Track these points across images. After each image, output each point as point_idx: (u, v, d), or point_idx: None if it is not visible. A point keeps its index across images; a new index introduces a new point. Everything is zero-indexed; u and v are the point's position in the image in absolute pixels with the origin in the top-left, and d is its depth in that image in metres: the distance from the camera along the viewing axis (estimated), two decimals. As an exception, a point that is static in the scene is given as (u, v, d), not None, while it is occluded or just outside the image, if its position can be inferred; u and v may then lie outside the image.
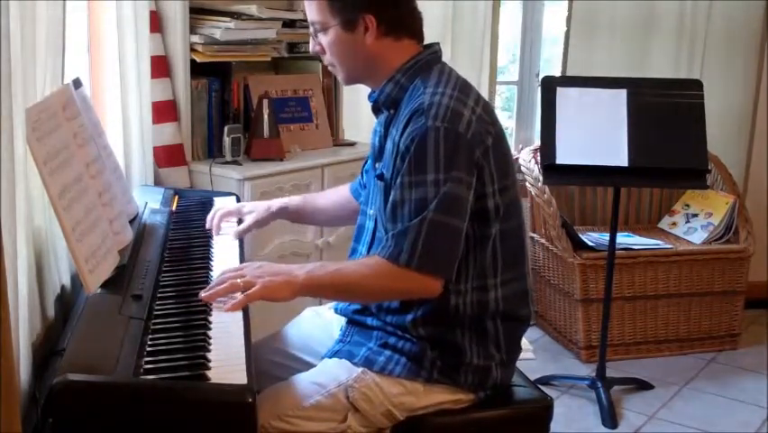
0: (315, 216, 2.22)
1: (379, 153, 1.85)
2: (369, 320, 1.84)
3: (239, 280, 1.64)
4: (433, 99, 1.68)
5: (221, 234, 2.08)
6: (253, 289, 1.62)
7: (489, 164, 1.70)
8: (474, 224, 1.72)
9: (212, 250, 1.99)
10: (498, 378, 1.81)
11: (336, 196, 2.18)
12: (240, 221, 2.12)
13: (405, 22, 1.79)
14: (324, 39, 1.79)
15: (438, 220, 1.64)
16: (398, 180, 1.67)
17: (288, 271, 1.68)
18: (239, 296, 1.62)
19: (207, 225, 2.10)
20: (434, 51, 1.82)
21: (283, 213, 2.13)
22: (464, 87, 1.76)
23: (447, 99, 1.69)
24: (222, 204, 2.21)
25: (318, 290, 1.74)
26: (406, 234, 1.64)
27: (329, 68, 1.87)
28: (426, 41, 1.85)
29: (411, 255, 1.64)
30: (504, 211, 1.74)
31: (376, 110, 1.87)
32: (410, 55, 1.79)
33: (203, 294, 1.64)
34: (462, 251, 1.71)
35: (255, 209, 2.11)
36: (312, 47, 1.84)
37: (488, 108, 1.77)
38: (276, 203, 2.13)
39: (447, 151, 1.64)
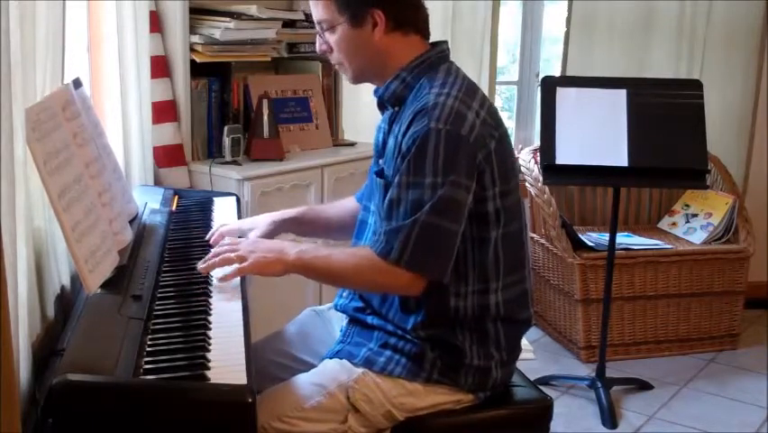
0: (327, 227, 2.12)
1: (382, 150, 1.85)
2: (369, 319, 1.84)
3: (233, 255, 1.71)
4: (437, 100, 1.68)
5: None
6: (245, 263, 1.69)
7: (490, 168, 1.70)
8: (473, 226, 1.72)
9: (211, 250, 1.98)
10: (498, 378, 1.81)
11: (348, 204, 2.11)
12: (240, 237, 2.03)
13: (412, 16, 1.79)
14: (332, 37, 1.78)
15: (431, 222, 1.64)
16: (397, 179, 1.68)
17: (281, 249, 1.72)
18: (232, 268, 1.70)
19: (208, 238, 2.02)
20: (441, 50, 1.82)
21: (289, 225, 2.06)
22: (470, 89, 1.75)
23: (452, 101, 1.68)
24: (222, 218, 2.18)
25: (307, 271, 1.75)
26: (398, 232, 1.65)
27: (336, 66, 1.86)
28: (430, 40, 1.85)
29: (401, 254, 1.65)
30: (505, 215, 1.74)
31: (381, 106, 1.86)
32: (418, 52, 1.78)
33: (200, 266, 1.74)
34: (461, 253, 1.72)
35: (256, 225, 2.01)
36: (319, 46, 1.83)
37: (492, 111, 1.76)
38: (278, 216, 2.04)
39: (447, 153, 1.64)
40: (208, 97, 2.84)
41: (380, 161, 1.84)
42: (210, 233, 2.02)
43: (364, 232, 1.90)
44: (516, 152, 3.82)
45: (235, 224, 2.07)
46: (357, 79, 1.86)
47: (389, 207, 1.68)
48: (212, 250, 1.80)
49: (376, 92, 1.84)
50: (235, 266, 1.71)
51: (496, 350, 1.79)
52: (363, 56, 1.78)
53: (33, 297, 1.54)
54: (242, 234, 2.04)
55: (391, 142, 1.76)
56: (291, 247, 1.73)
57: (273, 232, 2.02)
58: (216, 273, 1.76)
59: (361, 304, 1.87)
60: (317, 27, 1.81)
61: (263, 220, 2.03)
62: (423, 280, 1.68)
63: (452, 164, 1.64)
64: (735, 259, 3.56)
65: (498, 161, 1.71)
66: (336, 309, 1.96)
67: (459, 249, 1.70)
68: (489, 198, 1.71)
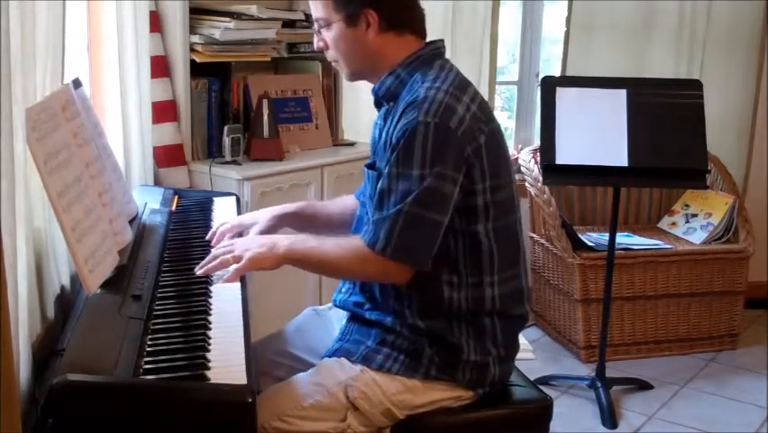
0: (327, 223, 2.11)
1: (377, 144, 1.86)
2: (368, 314, 1.84)
3: (229, 256, 1.74)
4: (428, 93, 1.70)
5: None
6: (241, 263, 1.73)
7: (480, 162, 1.71)
8: (461, 219, 1.74)
9: (211, 250, 1.98)
10: (496, 374, 1.82)
11: (348, 201, 2.12)
12: (240, 234, 2.01)
13: (406, 17, 1.81)
14: (328, 35, 1.82)
15: (415, 212, 1.67)
16: (387, 170, 1.70)
17: (273, 242, 1.76)
18: (231, 269, 1.74)
19: (208, 237, 2.02)
20: (436, 47, 1.84)
21: (290, 220, 2.06)
22: (462, 84, 1.77)
23: (442, 95, 1.70)
24: (221, 218, 2.18)
25: (299, 262, 1.78)
26: (384, 222, 1.69)
27: (333, 64, 1.89)
28: (427, 39, 1.86)
29: (386, 244, 1.68)
30: (495, 209, 1.75)
31: (377, 104, 1.89)
32: (412, 50, 1.81)
33: (198, 271, 1.76)
34: (451, 244, 1.74)
35: (257, 220, 2.02)
36: (316, 43, 1.87)
37: (484, 107, 1.78)
38: (278, 210, 2.05)
39: (435, 146, 1.66)
40: (208, 97, 2.84)
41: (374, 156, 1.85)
42: (210, 232, 2.02)
43: (362, 228, 1.90)
44: (515, 152, 3.84)
45: (236, 219, 2.09)
46: (353, 77, 1.89)
47: (380, 197, 1.71)
48: (210, 252, 1.82)
49: (373, 89, 1.86)
50: (233, 267, 1.73)
51: (493, 345, 1.80)
52: (358, 54, 1.81)
53: (33, 297, 1.54)
54: (242, 230, 2.05)
55: (384, 135, 1.78)
56: (283, 240, 1.76)
57: (274, 227, 2.03)
58: (217, 277, 1.79)
59: (360, 299, 1.87)
60: (315, 24, 1.85)
61: (264, 215, 2.04)
62: (408, 270, 1.71)
63: (439, 156, 1.66)
64: (735, 259, 3.56)
65: (488, 156, 1.72)
66: (335, 305, 1.96)
67: (448, 241, 1.73)
68: (479, 192, 1.73)
